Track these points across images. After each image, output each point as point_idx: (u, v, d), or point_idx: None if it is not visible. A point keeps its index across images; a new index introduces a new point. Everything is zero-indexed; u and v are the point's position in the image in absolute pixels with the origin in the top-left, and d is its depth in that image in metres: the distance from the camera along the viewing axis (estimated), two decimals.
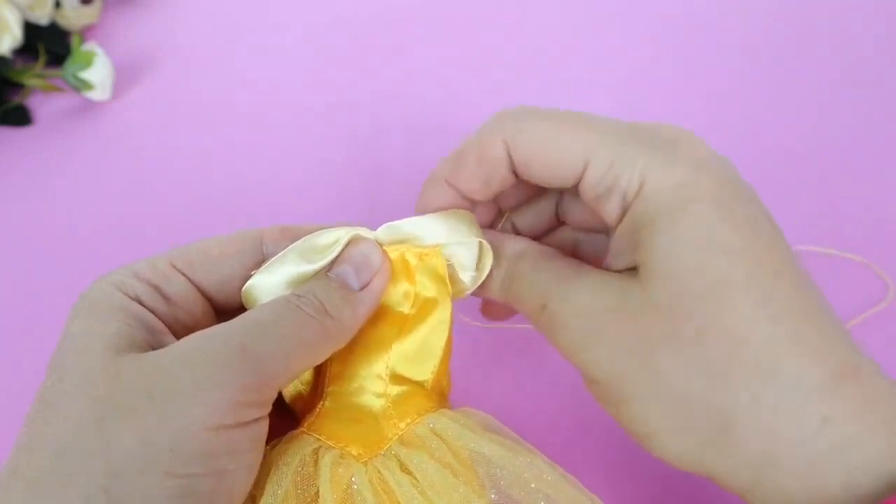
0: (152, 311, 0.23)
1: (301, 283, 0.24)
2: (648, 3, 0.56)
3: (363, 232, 0.25)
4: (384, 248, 0.25)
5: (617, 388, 0.21)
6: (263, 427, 0.22)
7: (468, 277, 0.26)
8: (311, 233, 0.25)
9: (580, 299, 0.22)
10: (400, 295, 0.26)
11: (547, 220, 0.28)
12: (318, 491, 0.23)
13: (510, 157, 0.23)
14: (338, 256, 0.24)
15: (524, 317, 0.25)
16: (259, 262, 0.25)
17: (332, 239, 0.24)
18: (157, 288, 0.24)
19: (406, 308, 0.26)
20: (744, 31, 0.52)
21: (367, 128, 0.48)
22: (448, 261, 0.26)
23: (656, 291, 0.21)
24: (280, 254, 0.24)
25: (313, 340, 0.23)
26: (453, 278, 0.26)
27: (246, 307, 0.25)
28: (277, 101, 0.51)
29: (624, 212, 0.22)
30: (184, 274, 0.24)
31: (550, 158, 0.23)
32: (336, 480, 0.23)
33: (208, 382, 0.20)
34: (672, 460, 0.21)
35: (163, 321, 0.23)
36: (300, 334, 0.23)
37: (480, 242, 0.25)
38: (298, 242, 0.24)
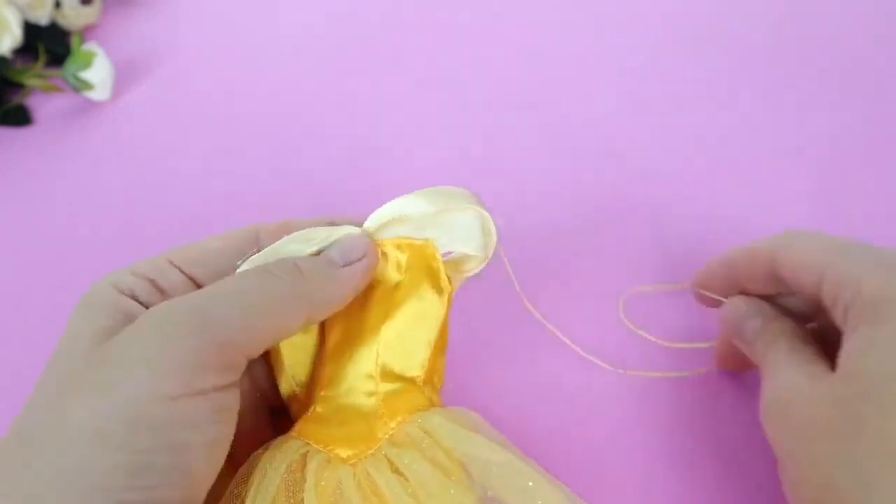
0: (146, 305, 0.23)
1: None
2: (648, 3, 0.56)
3: (354, 231, 0.26)
4: (378, 243, 0.26)
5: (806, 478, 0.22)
6: (228, 399, 0.21)
7: (473, 248, 0.27)
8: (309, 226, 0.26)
9: (782, 381, 0.24)
10: (389, 275, 0.26)
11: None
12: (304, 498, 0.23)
13: (773, 264, 0.27)
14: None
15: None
16: None
17: (327, 234, 0.26)
18: (152, 282, 0.24)
19: (395, 278, 0.26)
20: (744, 32, 0.52)
21: (367, 128, 0.48)
22: (449, 252, 0.27)
23: (839, 386, 0.22)
24: (276, 242, 0.25)
25: (280, 298, 0.23)
26: (458, 266, 0.27)
27: None
28: (277, 100, 0.51)
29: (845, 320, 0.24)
30: (179, 269, 0.25)
31: (796, 272, 0.26)
32: (321, 486, 0.23)
33: (156, 349, 0.20)
34: None
35: None
36: (265, 293, 0.22)
37: (482, 215, 0.26)
38: (296, 233, 0.25)
